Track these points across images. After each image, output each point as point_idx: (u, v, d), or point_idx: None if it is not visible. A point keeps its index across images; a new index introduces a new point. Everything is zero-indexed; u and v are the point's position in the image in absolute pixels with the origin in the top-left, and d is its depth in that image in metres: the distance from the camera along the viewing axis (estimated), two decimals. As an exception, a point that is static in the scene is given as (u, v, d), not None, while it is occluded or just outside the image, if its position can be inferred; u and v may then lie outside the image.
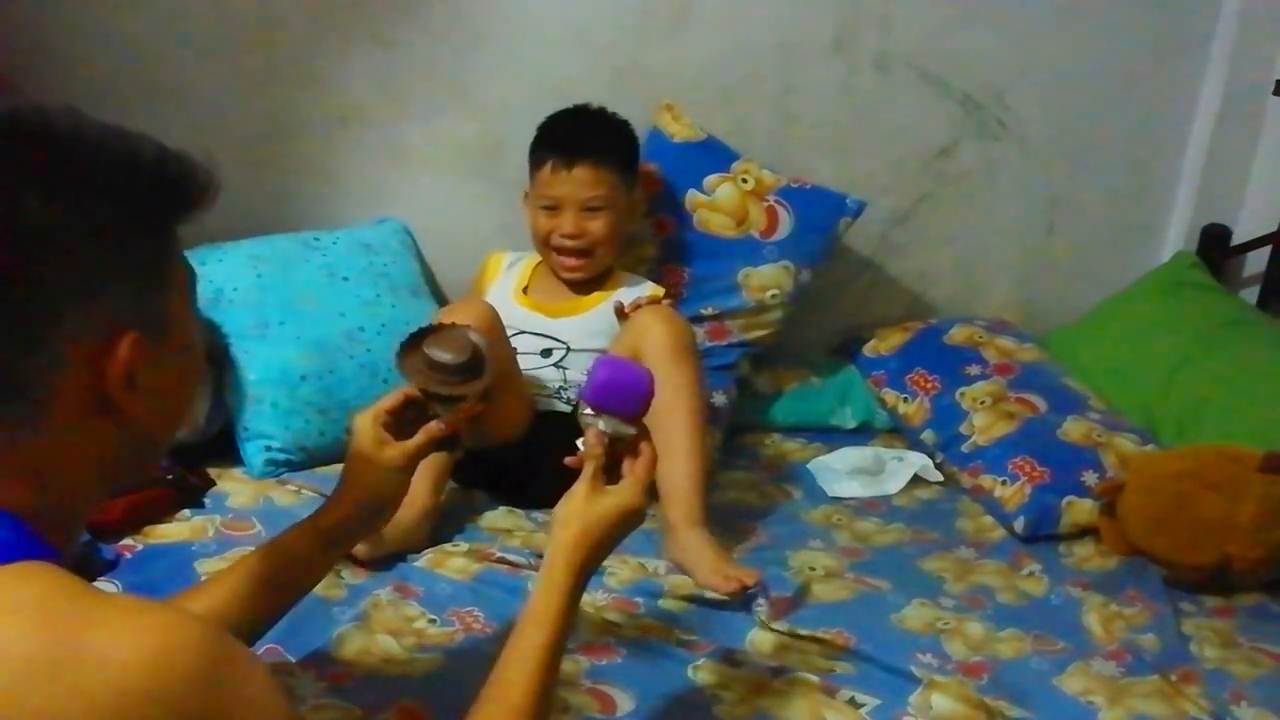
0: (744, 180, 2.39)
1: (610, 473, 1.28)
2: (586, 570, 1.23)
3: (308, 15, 2.31)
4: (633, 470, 1.29)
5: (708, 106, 2.45)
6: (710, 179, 2.38)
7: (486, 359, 1.44)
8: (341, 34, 2.33)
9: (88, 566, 1.66)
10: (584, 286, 2.23)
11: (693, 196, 2.38)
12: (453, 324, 1.49)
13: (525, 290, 2.25)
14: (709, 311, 2.35)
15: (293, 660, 1.52)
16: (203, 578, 1.71)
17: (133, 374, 0.90)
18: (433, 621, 1.66)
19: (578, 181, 2.14)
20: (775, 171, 2.41)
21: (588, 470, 1.27)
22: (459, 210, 2.47)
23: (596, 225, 2.16)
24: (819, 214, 2.41)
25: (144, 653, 0.79)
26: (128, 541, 1.78)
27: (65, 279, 0.87)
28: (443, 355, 1.40)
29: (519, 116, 2.35)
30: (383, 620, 1.63)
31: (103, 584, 1.65)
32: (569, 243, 2.16)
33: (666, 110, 2.42)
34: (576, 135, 2.18)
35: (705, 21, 2.44)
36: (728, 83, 2.48)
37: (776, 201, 2.39)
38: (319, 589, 1.59)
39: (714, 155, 2.41)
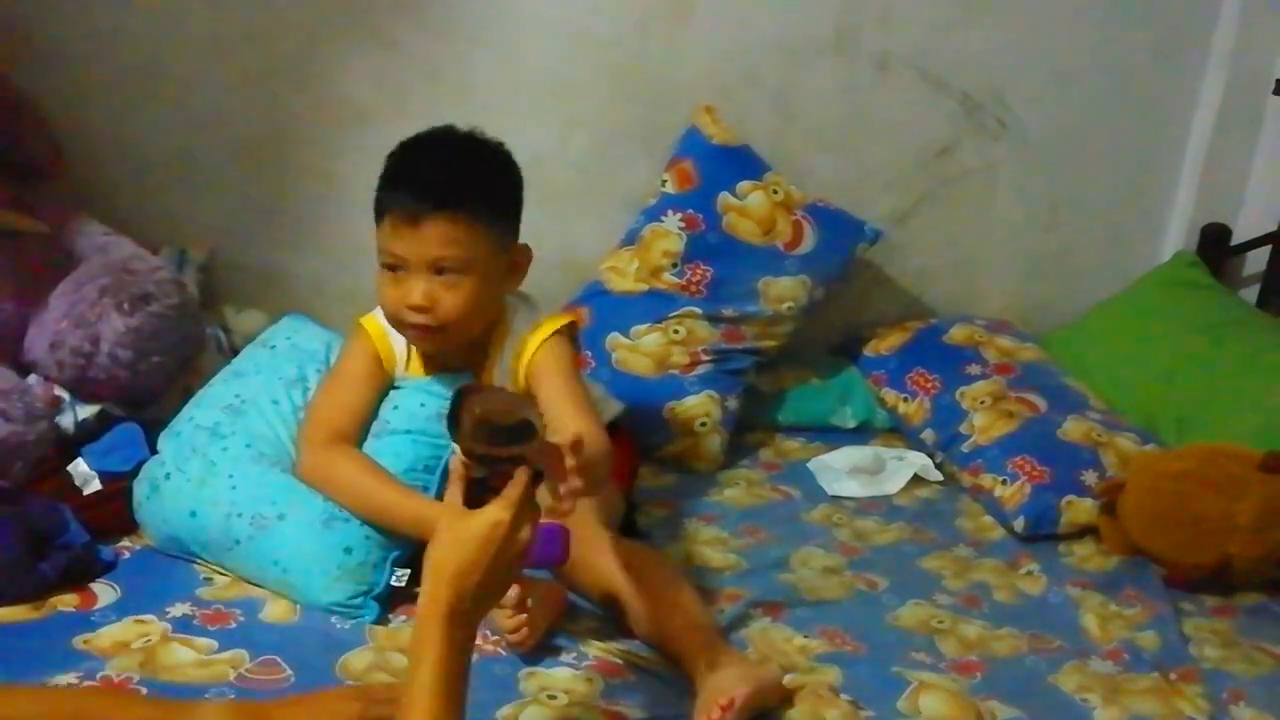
0: (775, 191, 2.40)
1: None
2: (460, 605, 1.18)
3: (308, 15, 2.31)
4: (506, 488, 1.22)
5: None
6: (743, 184, 2.39)
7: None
8: (341, 34, 2.33)
9: (87, 568, 1.66)
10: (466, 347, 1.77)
11: (724, 199, 2.38)
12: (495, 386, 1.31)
13: (427, 371, 1.79)
14: (728, 314, 2.35)
15: (294, 675, 1.51)
16: (201, 577, 1.71)
17: None
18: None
19: (427, 239, 1.62)
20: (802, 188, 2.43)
21: (453, 500, 1.23)
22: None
23: (453, 298, 1.64)
24: (840, 236, 2.44)
25: None
26: (126, 543, 1.77)
27: None
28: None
29: (520, 116, 2.35)
30: (390, 638, 1.62)
31: (102, 585, 1.65)
32: (417, 317, 1.65)
33: (706, 112, 2.42)
34: (430, 175, 1.64)
35: (705, 21, 2.44)
36: (728, 82, 2.48)
37: (803, 216, 2.40)
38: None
39: (748, 163, 2.42)
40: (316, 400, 1.80)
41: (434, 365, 1.79)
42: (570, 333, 1.79)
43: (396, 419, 1.76)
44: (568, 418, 1.62)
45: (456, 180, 1.64)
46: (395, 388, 1.80)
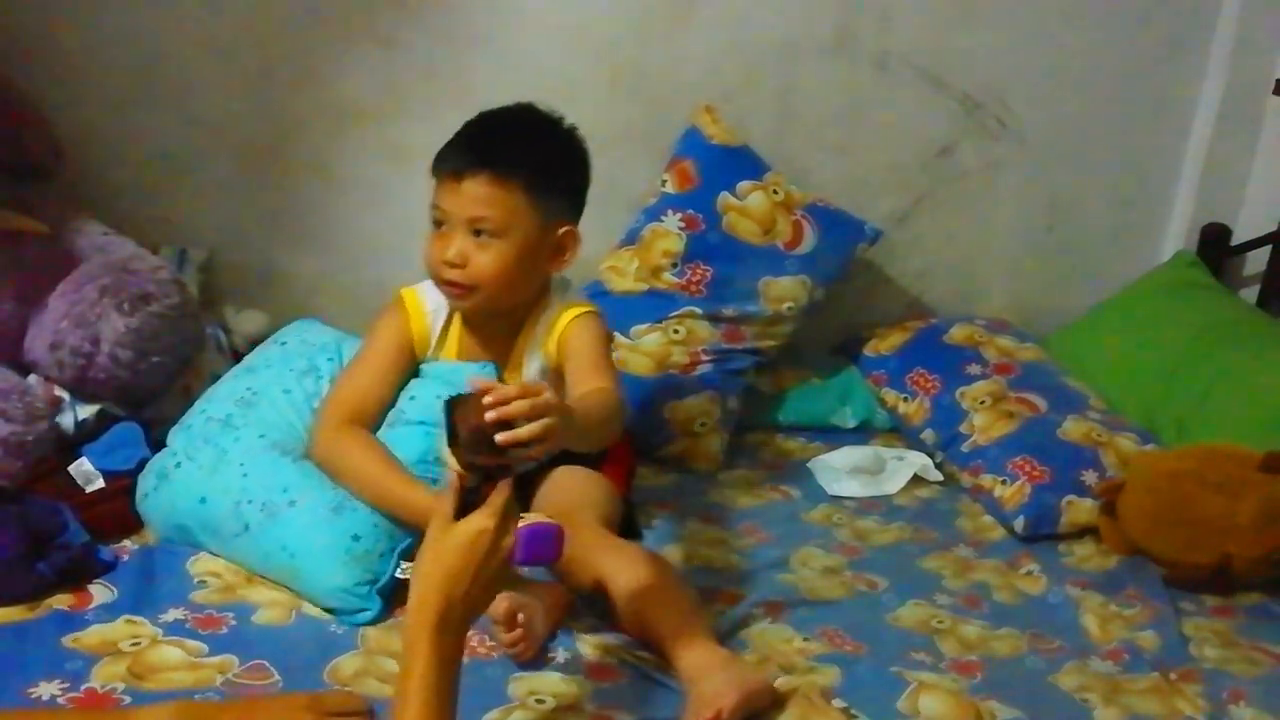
0: (775, 191, 2.40)
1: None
2: (449, 614, 1.21)
3: (308, 15, 2.31)
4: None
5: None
6: (743, 185, 2.39)
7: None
8: (341, 34, 2.33)
9: (86, 568, 1.66)
10: (505, 323, 1.81)
11: (724, 199, 2.38)
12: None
13: (459, 353, 1.82)
14: (729, 313, 2.34)
15: (282, 680, 1.50)
16: (195, 580, 1.71)
17: None
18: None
19: (466, 196, 1.69)
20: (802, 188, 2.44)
21: (442, 510, 1.27)
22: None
23: (485, 259, 1.69)
24: (840, 236, 2.44)
25: None
26: (126, 544, 1.77)
27: None
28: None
29: (519, 116, 2.34)
30: (381, 642, 1.62)
31: (100, 586, 1.65)
32: (450, 273, 1.71)
33: (706, 112, 2.43)
34: (482, 136, 1.73)
35: (705, 20, 2.44)
36: (728, 82, 2.48)
37: (803, 216, 2.41)
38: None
39: (748, 163, 2.42)
40: (339, 380, 1.82)
41: (466, 350, 1.81)
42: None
43: (412, 409, 1.77)
44: (588, 377, 1.68)
45: (504, 144, 1.71)
46: (417, 375, 1.81)
